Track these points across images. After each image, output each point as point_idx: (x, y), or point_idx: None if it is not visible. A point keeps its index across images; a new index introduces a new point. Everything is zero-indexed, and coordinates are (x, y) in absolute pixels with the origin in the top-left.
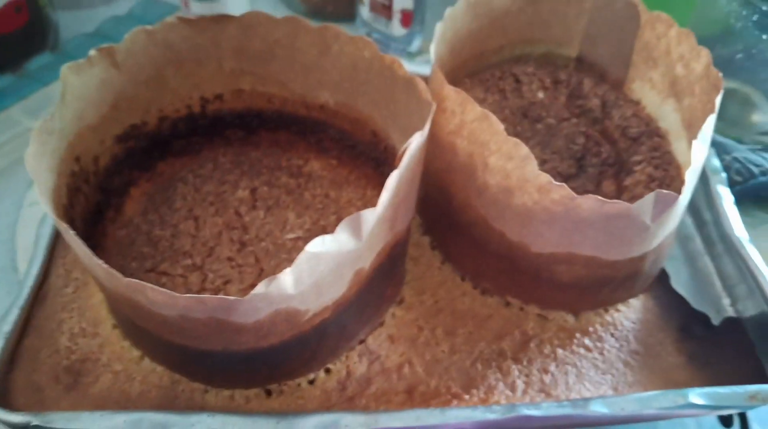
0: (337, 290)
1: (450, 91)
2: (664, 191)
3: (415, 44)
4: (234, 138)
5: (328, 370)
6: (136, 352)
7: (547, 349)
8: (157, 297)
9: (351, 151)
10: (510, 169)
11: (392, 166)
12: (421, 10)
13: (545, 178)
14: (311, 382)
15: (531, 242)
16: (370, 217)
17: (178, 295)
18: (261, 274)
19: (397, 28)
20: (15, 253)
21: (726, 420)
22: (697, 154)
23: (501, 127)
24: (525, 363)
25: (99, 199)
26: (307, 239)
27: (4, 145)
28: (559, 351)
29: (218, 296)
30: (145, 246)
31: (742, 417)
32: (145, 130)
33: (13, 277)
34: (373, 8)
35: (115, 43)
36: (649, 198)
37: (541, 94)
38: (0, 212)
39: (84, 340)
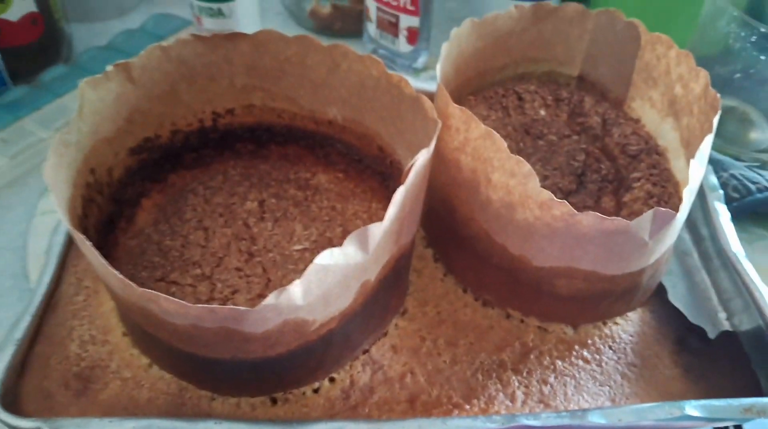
0: (343, 301)
1: (455, 110)
2: (662, 209)
3: (421, 60)
4: (244, 151)
5: (332, 379)
6: (144, 360)
7: (546, 361)
8: (170, 306)
9: (357, 165)
10: (512, 185)
11: (398, 181)
12: (427, 27)
13: (547, 194)
14: (316, 391)
15: (532, 256)
16: (377, 231)
17: (190, 305)
18: (268, 285)
19: (403, 45)
20: (26, 261)
21: None
22: (694, 173)
23: (504, 144)
24: (525, 374)
25: (112, 209)
26: (313, 250)
27: (18, 155)
28: (558, 363)
29: (229, 306)
30: (155, 256)
31: (738, 427)
32: (157, 142)
33: (24, 285)
34: (380, 26)
35: (127, 55)
36: (648, 215)
37: (543, 112)
38: (12, 220)
39: (94, 347)
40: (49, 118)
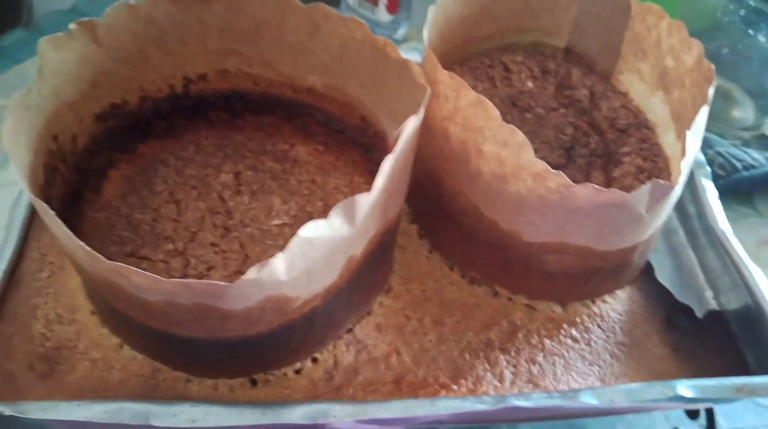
0: (328, 277)
1: (444, 76)
2: (661, 181)
3: (401, 31)
4: (218, 121)
5: (315, 360)
6: (115, 340)
7: (534, 340)
8: (142, 281)
9: (338, 136)
10: (505, 156)
11: (381, 153)
12: None
13: (541, 165)
14: (298, 372)
15: (523, 231)
16: (365, 202)
17: (163, 279)
18: (246, 261)
19: (383, 14)
20: None
21: (692, 412)
22: (691, 145)
23: (496, 113)
24: (513, 353)
25: (76, 179)
26: (293, 226)
27: None
28: (547, 342)
29: (207, 281)
30: (124, 230)
31: (709, 410)
32: (125, 109)
33: None
34: None
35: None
36: (645, 188)
37: (530, 84)
38: None
39: (60, 326)
40: (7, 84)
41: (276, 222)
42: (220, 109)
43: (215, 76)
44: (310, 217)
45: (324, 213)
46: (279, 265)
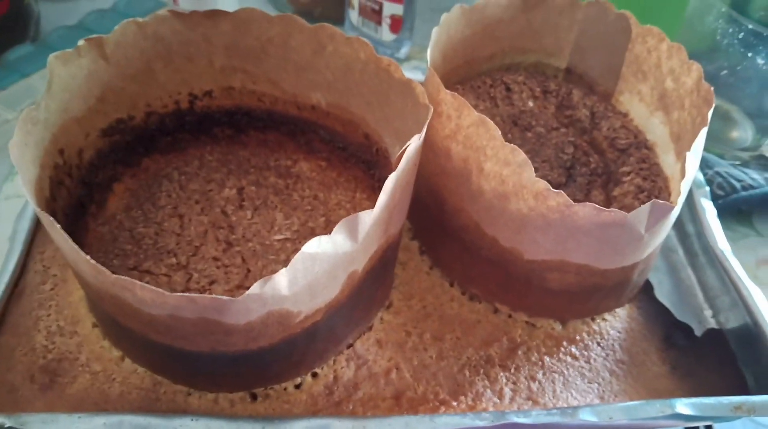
0: (329, 292)
1: (446, 95)
2: (660, 201)
3: (404, 50)
4: (222, 136)
5: (315, 375)
6: (116, 353)
7: (534, 357)
8: (146, 295)
9: (341, 153)
10: (506, 174)
11: (384, 170)
12: (411, 16)
13: (542, 184)
14: (298, 387)
15: (524, 249)
16: (367, 218)
17: (168, 293)
18: (248, 275)
19: (386, 34)
20: None
21: None
22: (690, 166)
23: (498, 132)
24: (512, 370)
25: (81, 193)
26: (295, 241)
27: None
28: (547, 359)
29: (211, 296)
30: (127, 243)
31: (708, 428)
32: (131, 124)
33: None
34: (363, 13)
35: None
36: (645, 208)
37: (531, 103)
38: None
39: (61, 338)
40: (14, 98)
41: (278, 237)
42: (224, 125)
43: (221, 93)
44: (312, 232)
45: (326, 228)
46: (282, 281)
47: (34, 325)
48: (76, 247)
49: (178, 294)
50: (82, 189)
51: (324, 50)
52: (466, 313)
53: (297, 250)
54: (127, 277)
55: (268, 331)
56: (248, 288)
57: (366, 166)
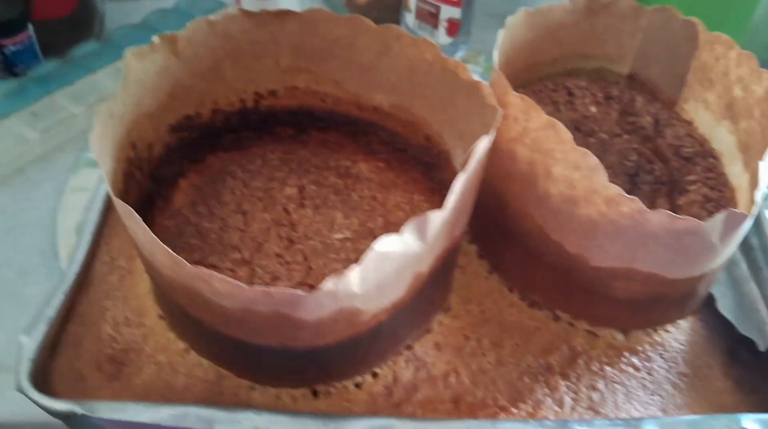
0: (396, 292)
1: (514, 98)
2: (735, 210)
3: (459, 54)
4: (284, 135)
5: (375, 374)
6: (181, 345)
7: (595, 366)
8: (223, 287)
9: (400, 154)
10: (576, 179)
11: (443, 172)
12: (468, 20)
13: (615, 189)
14: (358, 386)
15: (591, 256)
16: (437, 219)
17: (245, 286)
18: (309, 273)
19: (442, 37)
20: (55, 239)
21: None
22: (764, 175)
23: (569, 135)
24: (573, 379)
25: (150, 187)
26: (355, 240)
27: (48, 129)
28: (608, 369)
29: (287, 290)
30: (193, 238)
31: None
32: (198, 121)
33: (52, 263)
34: (420, 16)
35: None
36: (720, 217)
37: (593, 109)
38: (41, 197)
39: (128, 329)
40: (81, 93)
41: (338, 236)
42: (286, 124)
43: (285, 93)
44: (371, 232)
45: (384, 229)
46: (354, 278)
47: (101, 315)
48: (154, 237)
49: (255, 287)
50: (151, 183)
51: (389, 51)
52: (526, 320)
53: (357, 249)
54: (205, 269)
55: (336, 328)
56: (310, 285)
57: (425, 168)
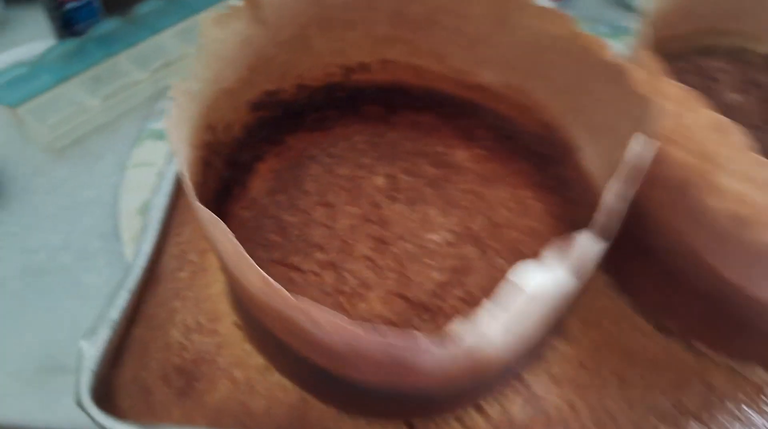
0: (529, 334)
1: (669, 86)
2: None
3: None
4: (370, 115)
5: (479, 408)
6: (260, 360)
7: (731, 406)
8: (332, 327)
9: (506, 142)
10: (749, 194)
11: (560, 167)
12: None
13: None
14: (459, 420)
15: (753, 284)
16: (592, 248)
17: (356, 327)
18: (404, 282)
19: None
20: (117, 220)
21: None
22: None
23: (742, 138)
24: (705, 419)
25: (227, 174)
26: (455, 244)
27: (110, 96)
28: (746, 410)
29: (410, 338)
30: (273, 232)
31: None
32: (278, 97)
33: (114, 247)
34: None
35: None
36: None
37: (736, 96)
38: (101, 171)
39: (199, 336)
40: (145, 57)
41: (434, 237)
42: (375, 103)
43: (377, 66)
44: (475, 235)
45: (488, 230)
46: (495, 328)
47: (169, 318)
48: (249, 260)
49: (371, 330)
50: (228, 170)
51: (506, 21)
52: (654, 348)
53: (457, 255)
54: (310, 303)
55: (455, 373)
56: (404, 296)
57: (538, 159)
